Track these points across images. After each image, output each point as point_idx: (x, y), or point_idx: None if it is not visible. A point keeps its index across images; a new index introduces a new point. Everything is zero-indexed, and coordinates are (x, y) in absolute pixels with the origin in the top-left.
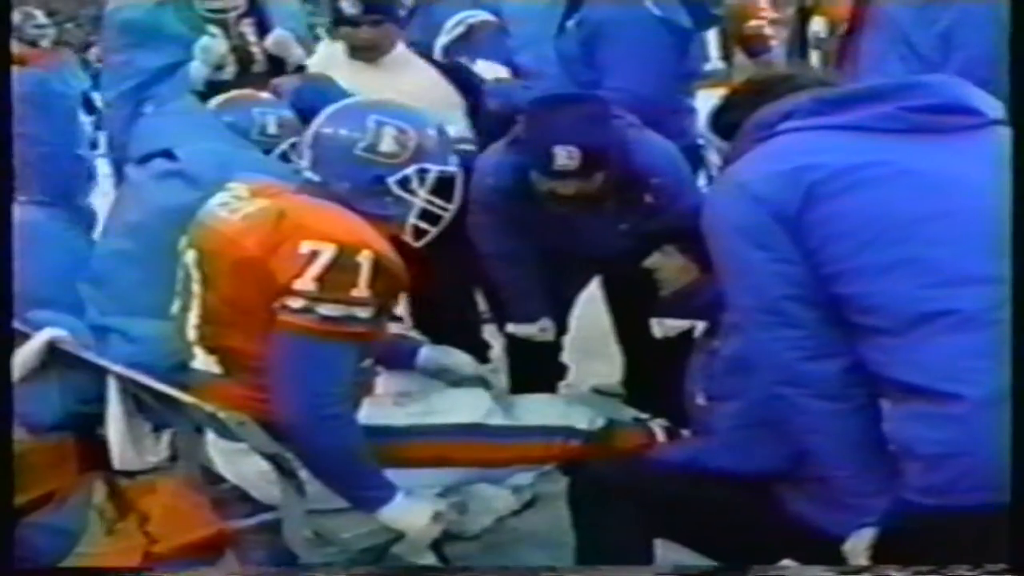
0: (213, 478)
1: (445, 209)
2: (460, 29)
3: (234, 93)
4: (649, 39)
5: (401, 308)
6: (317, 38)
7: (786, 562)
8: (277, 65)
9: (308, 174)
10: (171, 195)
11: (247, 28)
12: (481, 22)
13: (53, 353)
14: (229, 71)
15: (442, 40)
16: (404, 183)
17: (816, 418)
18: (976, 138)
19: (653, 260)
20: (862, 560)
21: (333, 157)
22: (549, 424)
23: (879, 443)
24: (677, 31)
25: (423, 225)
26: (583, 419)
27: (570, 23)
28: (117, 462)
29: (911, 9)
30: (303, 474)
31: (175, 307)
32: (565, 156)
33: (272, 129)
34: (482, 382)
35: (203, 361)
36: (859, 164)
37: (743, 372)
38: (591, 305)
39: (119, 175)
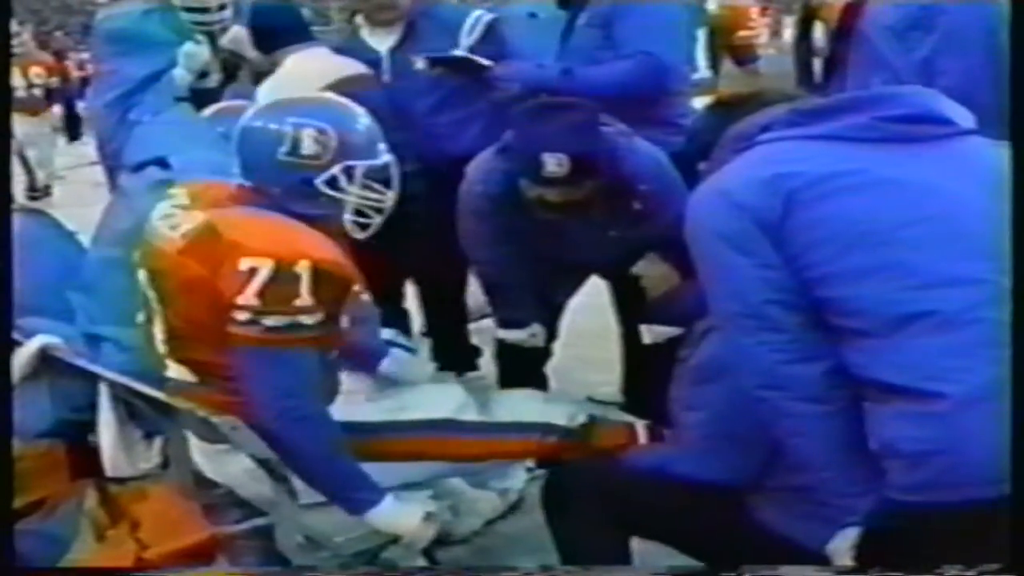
0: (204, 484)
1: (382, 200)
2: (480, 29)
3: (231, 103)
4: (665, 12)
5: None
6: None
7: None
8: (261, 72)
9: (239, 179)
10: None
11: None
12: (497, 19)
13: (44, 360)
14: (215, 79)
15: (465, 42)
16: (332, 183)
17: (800, 421)
18: (949, 146)
19: (639, 267)
20: (846, 560)
21: (258, 162)
22: (525, 421)
23: (861, 444)
24: (685, 15)
25: (363, 220)
26: (562, 416)
27: (579, 21)
28: (109, 469)
29: (893, 35)
30: (295, 478)
31: (140, 318)
32: (554, 164)
33: None
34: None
35: (177, 371)
36: (837, 172)
37: (707, 382)
38: (584, 311)
39: (112, 183)
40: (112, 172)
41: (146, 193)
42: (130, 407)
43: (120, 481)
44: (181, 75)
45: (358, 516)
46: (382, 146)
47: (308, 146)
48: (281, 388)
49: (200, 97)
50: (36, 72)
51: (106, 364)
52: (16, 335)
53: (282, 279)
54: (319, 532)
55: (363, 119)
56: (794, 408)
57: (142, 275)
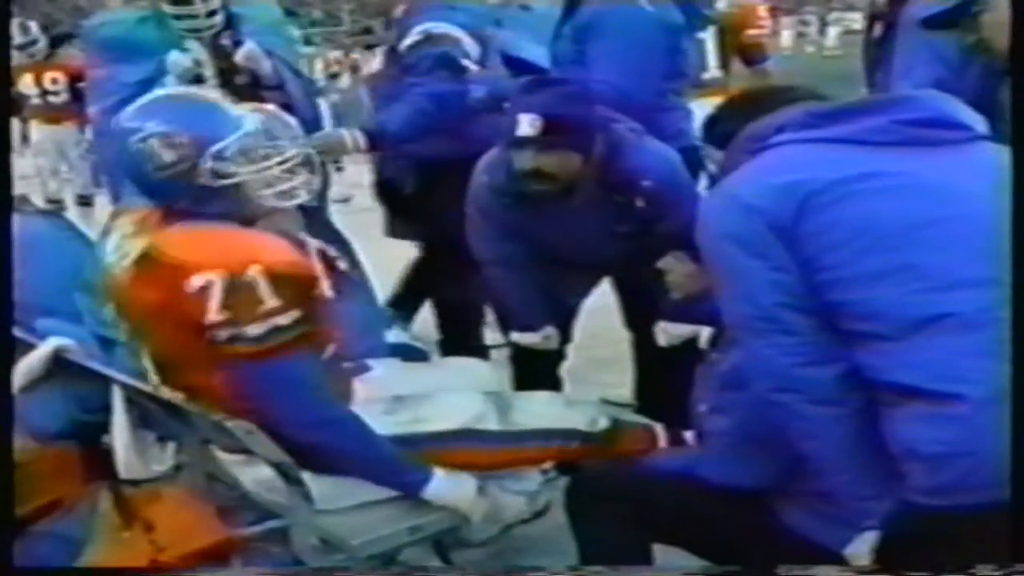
0: (219, 486)
1: (282, 157)
2: (418, 36)
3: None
4: (638, 34)
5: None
6: (313, 46)
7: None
8: (257, 77)
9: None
10: None
11: (227, 41)
12: (442, 34)
13: (58, 362)
14: (211, 84)
15: (406, 41)
16: (215, 174)
17: (814, 423)
18: (964, 151)
19: (665, 262)
20: (865, 564)
21: (147, 188)
22: (546, 427)
23: (877, 447)
24: (669, 28)
25: (278, 189)
26: (583, 420)
27: (565, 28)
28: (122, 471)
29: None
30: (309, 481)
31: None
32: (527, 123)
33: None
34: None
35: (170, 394)
36: (852, 176)
37: (736, 387)
38: (598, 312)
39: (112, 188)
40: (111, 177)
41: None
42: (143, 409)
43: (134, 483)
44: (170, 83)
45: (416, 495)
46: (232, 113)
47: (167, 155)
48: (295, 398)
49: None
50: (53, 77)
51: (120, 367)
52: (30, 337)
53: (238, 288)
54: (335, 535)
55: (190, 102)
56: (808, 411)
57: (109, 311)
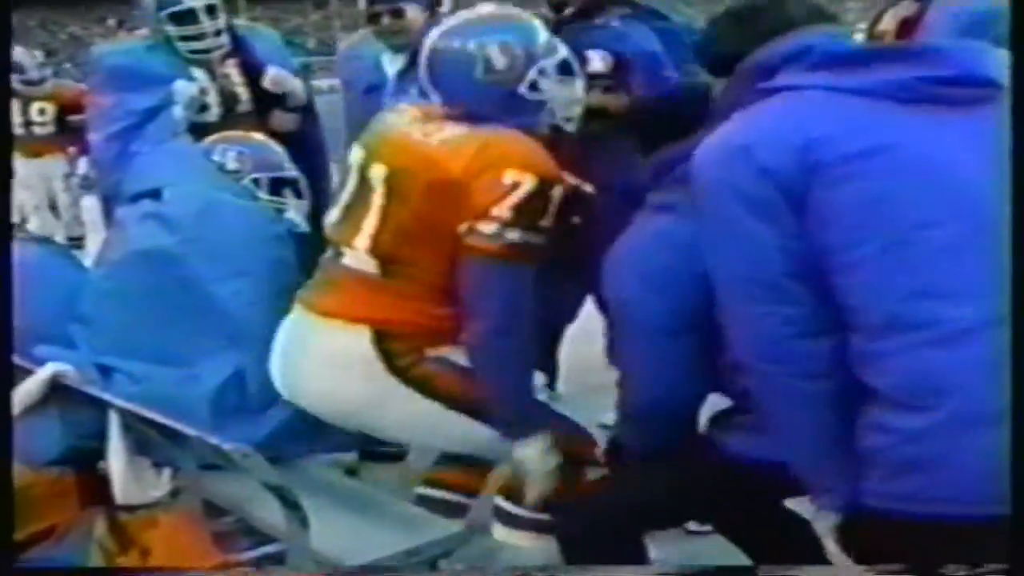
0: (215, 512)
1: (575, 90)
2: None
3: (227, 133)
4: None
5: None
6: (309, 74)
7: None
8: (263, 105)
9: (436, 99)
10: (148, 237)
11: (231, 69)
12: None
13: (55, 388)
14: (215, 112)
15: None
16: (533, 87)
17: (796, 397)
18: (987, 118)
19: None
20: (830, 540)
21: (460, 87)
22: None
23: (851, 431)
24: None
25: (568, 114)
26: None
27: None
28: (119, 497)
29: (959, 29)
30: (307, 504)
31: (334, 215)
32: (599, 60)
33: (231, 164)
34: None
35: (360, 260)
36: (869, 148)
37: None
38: (582, 338)
39: (107, 213)
40: (109, 205)
41: (136, 224)
42: (140, 435)
43: (130, 509)
44: (177, 111)
45: (514, 440)
46: (556, 41)
47: (499, 61)
48: (507, 302)
49: (200, 131)
50: (41, 108)
51: (117, 393)
52: (26, 363)
53: (539, 197)
54: (331, 558)
55: (530, 19)
56: (792, 385)
57: (377, 170)
